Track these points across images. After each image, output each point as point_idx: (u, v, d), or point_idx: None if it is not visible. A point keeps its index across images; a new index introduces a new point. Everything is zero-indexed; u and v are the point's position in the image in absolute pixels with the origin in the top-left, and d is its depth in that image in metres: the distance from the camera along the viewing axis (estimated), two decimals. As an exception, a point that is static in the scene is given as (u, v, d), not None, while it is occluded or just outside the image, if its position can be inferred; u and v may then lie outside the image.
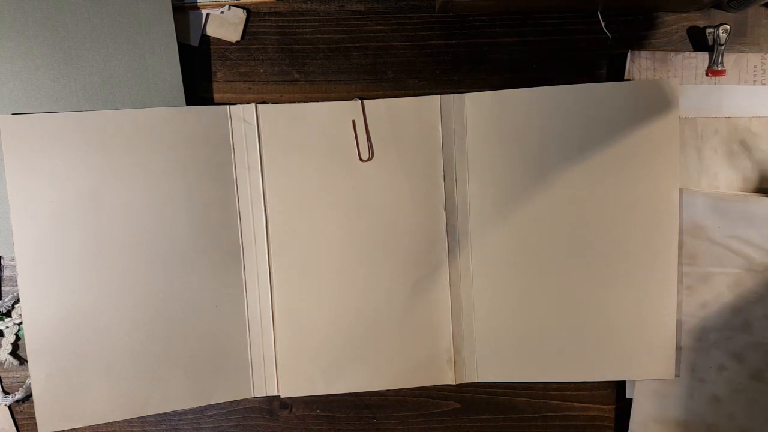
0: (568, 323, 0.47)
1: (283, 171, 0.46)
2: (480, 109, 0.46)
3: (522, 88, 0.46)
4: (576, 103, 0.45)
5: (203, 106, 0.46)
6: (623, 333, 0.46)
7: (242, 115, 0.46)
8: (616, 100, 0.45)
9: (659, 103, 0.45)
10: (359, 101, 0.46)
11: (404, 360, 0.47)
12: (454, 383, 0.47)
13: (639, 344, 0.46)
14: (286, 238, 0.46)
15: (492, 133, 0.46)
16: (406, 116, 0.46)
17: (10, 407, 0.48)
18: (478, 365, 0.47)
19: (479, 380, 0.47)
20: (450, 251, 0.47)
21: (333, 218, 0.46)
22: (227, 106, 0.46)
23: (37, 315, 0.44)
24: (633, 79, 0.47)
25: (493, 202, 0.46)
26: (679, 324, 0.47)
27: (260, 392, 0.47)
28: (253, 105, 0.46)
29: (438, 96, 0.46)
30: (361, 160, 0.46)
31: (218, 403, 0.48)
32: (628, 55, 0.48)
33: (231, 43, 0.48)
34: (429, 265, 0.47)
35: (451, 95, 0.46)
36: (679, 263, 0.46)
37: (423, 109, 0.46)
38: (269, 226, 0.46)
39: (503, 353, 0.47)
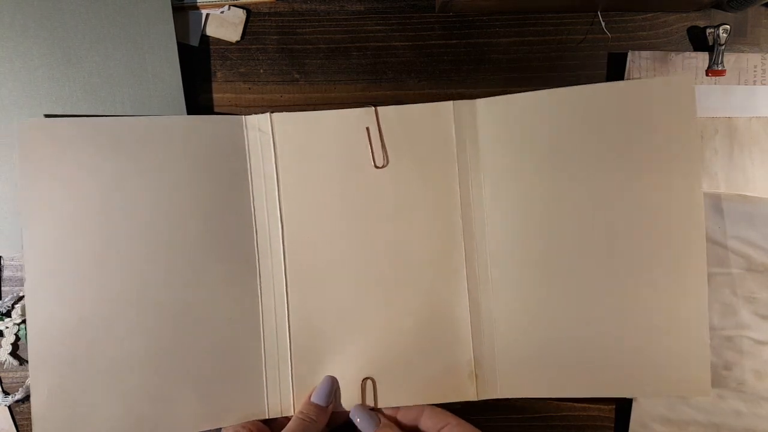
0: (593, 335, 0.44)
1: (298, 179, 0.45)
2: (492, 114, 0.45)
3: (527, 89, 0.45)
4: (588, 103, 0.44)
5: (218, 116, 0.45)
6: (652, 346, 0.44)
7: (257, 124, 0.45)
8: (629, 99, 0.44)
9: (676, 101, 0.43)
10: (373, 108, 0.45)
11: (423, 374, 0.45)
12: (476, 399, 0.45)
13: (670, 358, 0.43)
14: (302, 246, 0.45)
15: (506, 137, 0.45)
16: (420, 123, 0.45)
17: (10, 407, 0.48)
18: (501, 379, 0.45)
19: (501, 396, 0.45)
20: (467, 258, 0.45)
21: (349, 226, 0.45)
22: (242, 116, 0.45)
23: (43, 325, 0.43)
24: (634, 79, 0.47)
25: (510, 207, 0.45)
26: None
27: (275, 412, 0.44)
28: (268, 114, 0.45)
29: (451, 102, 0.45)
30: (375, 167, 0.46)
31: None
32: (628, 55, 0.48)
33: (231, 43, 0.48)
34: (446, 273, 0.45)
35: (464, 101, 0.45)
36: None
37: (436, 116, 0.45)
38: (285, 235, 0.45)
39: (526, 367, 0.45)
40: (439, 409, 0.44)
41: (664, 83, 0.44)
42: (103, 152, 0.44)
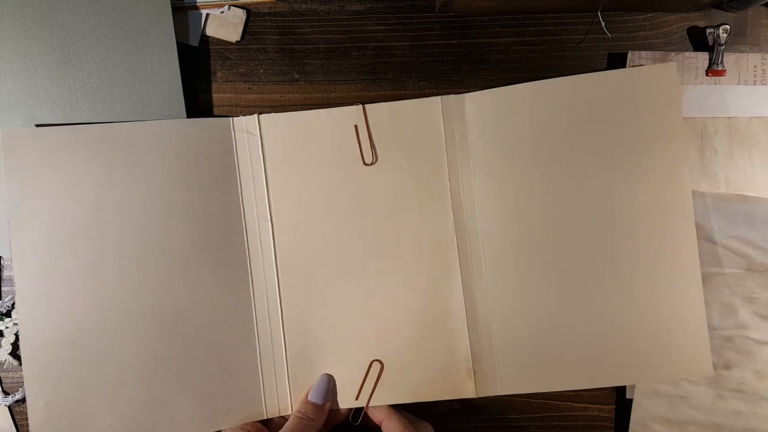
0: (590, 326, 0.44)
1: (287, 179, 0.45)
2: (480, 107, 0.45)
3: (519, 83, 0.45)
4: (575, 94, 0.44)
5: (206, 119, 0.45)
6: (651, 331, 0.44)
7: (245, 126, 0.45)
8: (615, 89, 0.44)
9: (659, 87, 0.44)
10: (360, 106, 0.45)
11: (420, 371, 0.45)
12: (475, 396, 0.45)
13: (669, 343, 0.44)
14: (293, 246, 0.45)
15: (494, 131, 0.45)
16: (408, 118, 0.46)
17: (10, 407, 0.48)
18: (500, 375, 0.45)
19: (502, 393, 0.45)
20: (460, 253, 0.45)
21: (339, 224, 0.45)
22: (230, 118, 0.45)
23: (36, 336, 0.42)
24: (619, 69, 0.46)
25: (502, 201, 0.45)
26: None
27: (273, 411, 0.45)
28: (256, 116, 0.45)
29: (439, 97, 0.45)
30: (365, 164, 0.46)
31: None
32: (628, 55, 0.48)
33: (231, 43, 0.48)
34: (440, 268, 0.45)
35: (452, 96, 0.46)
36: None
37: (424, 111, 0.46)
38: (275, 236, 0.45)
39: (526, 362, 0.45)
40: (384, 405, 0.45)
41: (649, 72, 0.44)
42: (91, 159, 0.43)
